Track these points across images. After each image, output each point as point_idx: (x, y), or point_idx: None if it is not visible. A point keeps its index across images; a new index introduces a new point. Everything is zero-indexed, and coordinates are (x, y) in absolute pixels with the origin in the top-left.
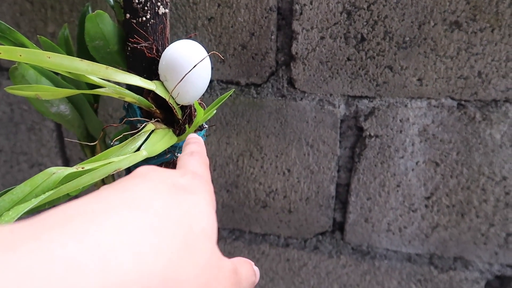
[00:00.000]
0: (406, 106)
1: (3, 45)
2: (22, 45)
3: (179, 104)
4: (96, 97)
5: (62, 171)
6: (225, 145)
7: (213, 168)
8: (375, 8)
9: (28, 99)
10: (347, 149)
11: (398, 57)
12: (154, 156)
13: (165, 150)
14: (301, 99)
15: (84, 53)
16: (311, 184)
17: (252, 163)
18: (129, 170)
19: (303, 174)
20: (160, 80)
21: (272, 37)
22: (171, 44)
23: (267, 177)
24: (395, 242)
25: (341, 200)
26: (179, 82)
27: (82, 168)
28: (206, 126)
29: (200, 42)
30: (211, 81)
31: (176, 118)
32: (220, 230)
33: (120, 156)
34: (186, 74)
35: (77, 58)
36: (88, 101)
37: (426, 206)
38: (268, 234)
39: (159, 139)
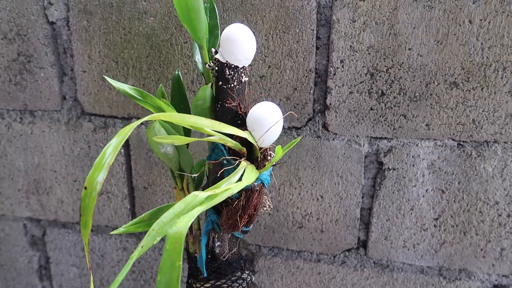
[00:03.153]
0: (417, 145)
1: (144, 107)
2: (159, 107)
3: (260, 148)
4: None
5: (203, 194)
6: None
7: (268, 199)
8: (392, 71)
9: (150, 143)
10: (369, 179)
11: (410, 108)
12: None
13: None
14: (333, 139)
15: (176, 105)
16: (340, 208)
17: (291, 190)
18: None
19: (334, 200)
20: (248, 130)
21: (311, 91)
22: (257, 104)
23: (303, 202)
24: (410, 256)
25: (364, 221)
26: (265, 133)
27: (213, 192)
28: (275, 163)
29: (253, 95)
30: None
31: (255, 157)
32: (261, 247)
33: (229, 184)
34: (271, 127)
35: (203, 117)
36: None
37: (435, 226)
38: (303, 251)
39: (250, 172)
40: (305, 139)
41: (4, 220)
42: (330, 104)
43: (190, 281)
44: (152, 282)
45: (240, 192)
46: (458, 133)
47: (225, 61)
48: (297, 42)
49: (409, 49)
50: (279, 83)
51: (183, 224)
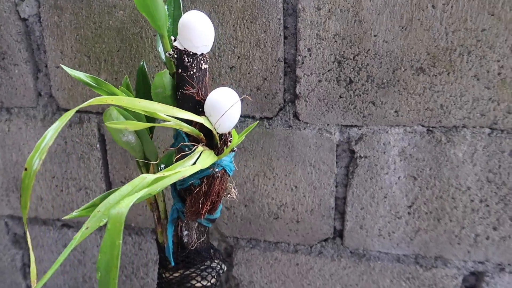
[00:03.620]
0: (387, 132)
1: (101, 95)
2: (114, 94)
3: (218, 133)
4: (152, 129)
5: (151, 176)
6: (243, 167)
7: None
8: (359, 58)
9: (109, 130)
10: (342, 168)
11: (378, 95)
12: (199, 171)
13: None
14: (304, 128)
15: (141, 96)
16: (315, 197)
17: (266, 181)
18: (174, 185)
19: (308, 190)
20: (206, 116)
21: (280, 80)
22: (214, 90)
23: (278, 193)
24: (385, 245)
25: (339, 211)
26: (220, 117)
27: (163, 174)
28: (236, 149)
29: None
30: None
31: (215, 143)
32: (239, 239)
33: (182, 168)
34: (225, 112)
35: (155, 102)
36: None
37: (408, 213)
38: (280, 242)
39: (207, 157)
40: (277, 129)
41: None
42: (300, 93)
43: (160, 270)
44: (134, 277)
45: (201, 179)
46: (427, 119)
47: (183, 49)
48: (265, 31)
49: (375, 35)
50: (248, 73)
51: (125, 205)
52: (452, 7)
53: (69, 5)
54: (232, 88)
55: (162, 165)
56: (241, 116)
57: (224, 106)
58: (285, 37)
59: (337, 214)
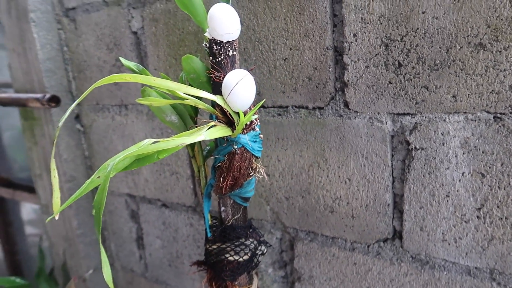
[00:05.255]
0: (445, 120)
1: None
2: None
3: (236, 112)
4: (196, 111)
5: (155, 140)
6: (299, 158)
7: (290, 177)
8: (407, 39)
9: (152, 110)
10: (399, 161)
11: (431, 78)
12: (222, 147)
13: (228, 142)
14: (355, 117)
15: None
16: (369, 192)
17: (320, 172)
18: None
19: (361, 183)
20: (222, 96)
21: (330, 69)
22: (228, 73)
23: (332, 185)
24: (451, 253)
25: (399, 209)
26: (229, 94)
27: (163, 139)
28: (257, 128)
29: (279, 77)
30: (286, 106)
31: (233, 121)
32: (298, 231)
33: (184, 137)
34: (232, 88)
35: (169, 80)
36: (190, 115)
37: (478, 217)
38: (336, 238)
39: (216, 131)
40: (328, 119)
41: (113, 196)
42: (348, 80)
43: (205, 242)
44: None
45: (225, 155)
46: (492, 103)
47: (211, 38)
48: (312, 21)
49: (423, 12)
50: (300, 64)
51: (120, 160)
52: None
53: (162, 17)
54: (286, 79)
55: (208, 147)
56: (295, 106)
57: (231, 84)
58: (335, 25)
59: (397, 213)
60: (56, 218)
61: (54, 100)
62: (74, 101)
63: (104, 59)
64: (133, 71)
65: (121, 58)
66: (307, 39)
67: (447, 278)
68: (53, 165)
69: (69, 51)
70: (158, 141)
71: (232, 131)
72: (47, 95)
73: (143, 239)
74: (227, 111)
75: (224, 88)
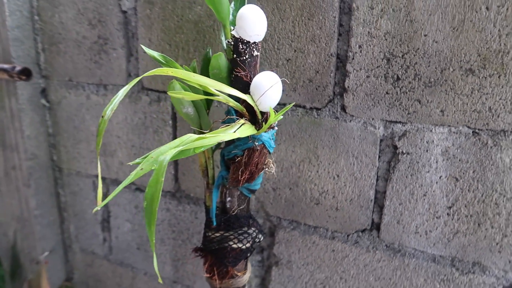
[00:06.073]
0: (431, 131)
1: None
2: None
3: (261, 111)
4: (209, 104)
5: (194, 135)
6: (291, 153)
7: (280, 170)
8: (407, 56)
9: (172, 100)
10: (385, 162)
11: (425, 93)
12: (241, 142)
13: (249, 138)
14: (350, 121)
15: None
16: (355, 188)
17: (310, 168)
18: (223, 155)
19: (349, 180)
20: (250, 95)
21: (331, 74)
22: (258, 74)
23: (321, 179)
24: (421, 243)
25: (379, 204)
26: (261, 96)
27: (205, 135)
28: (276, 127)
29: (280, 76)
30: (284, 104)
31: (257, 119)
32: (281, 220)
33: (222, 134)
34: (265, 91)
35: (207, 77)
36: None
37: (448, 214)
38: (319, 227)
39: (246, 128)
40: (324, 120)
41: (79, 177)
42: (348, 87)
43: (205, 230)
44: (188, 243)
45: (244, 150)
46: (473, 120)
47: (238, 37)
48: (320, 28)
49: (425, 35)
50: (303, 66)
51: (169, 153)
52: (507, 9)
53: (159, 0)
54: (287, 79)
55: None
56: (293, 105)
57: (265, 86)
58: (340, 34)
59: (377, 207)
60: None
61: (26, 73)
62: (41, 74)
63: (84, 35)
64: (159, 61)
65: (143, 47)
66: (312, 44)
67: (415, 264)
68: None
69: (41, 20)
70: (202, 137)
71: (256, 128)
72: (18, 67)
73: (110, 222)
74: (256, 109)
75: (256, 88)
